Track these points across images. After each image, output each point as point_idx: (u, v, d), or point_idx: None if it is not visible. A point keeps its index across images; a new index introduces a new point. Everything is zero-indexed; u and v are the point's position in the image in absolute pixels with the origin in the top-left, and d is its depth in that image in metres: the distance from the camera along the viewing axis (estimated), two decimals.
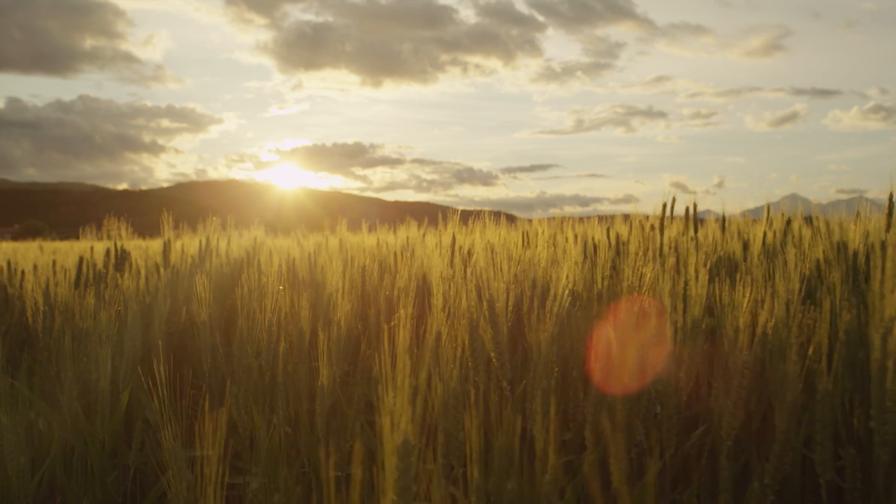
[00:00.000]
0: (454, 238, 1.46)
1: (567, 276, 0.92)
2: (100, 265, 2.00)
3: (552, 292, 0.92)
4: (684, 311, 0.97)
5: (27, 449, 1.18)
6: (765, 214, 1.89)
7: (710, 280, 1.03)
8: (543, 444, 0.63)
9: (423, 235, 3.14)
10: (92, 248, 2.76)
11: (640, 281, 0.96)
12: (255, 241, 2.41)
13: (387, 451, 0.49)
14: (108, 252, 1.93)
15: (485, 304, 0.93)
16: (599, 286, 1.08)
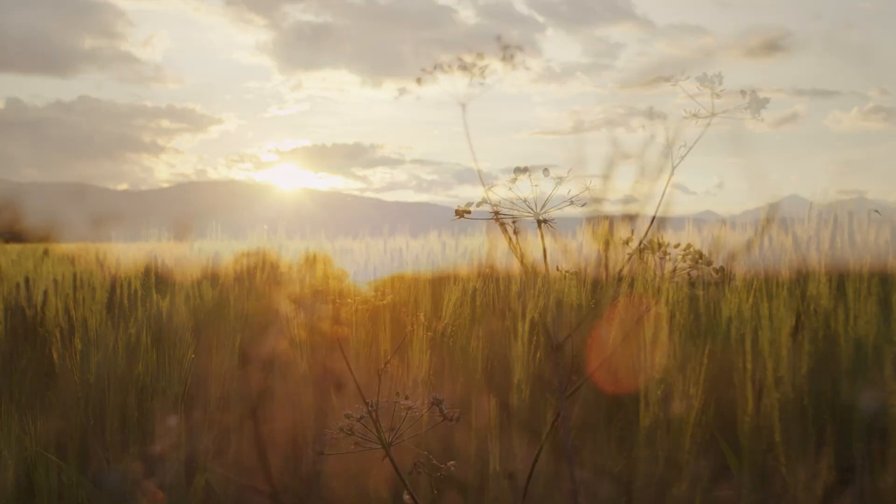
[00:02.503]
0: None
1: None
2: (134, 282, 1.69)
3: None
4: None
5: None
6: None
7: None
8: None
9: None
10: (118, 260, 2.45)
11: None
12: (308, 251, 2.10)
13: None
14: (146, 270, 1.62)
15: None
16: None
